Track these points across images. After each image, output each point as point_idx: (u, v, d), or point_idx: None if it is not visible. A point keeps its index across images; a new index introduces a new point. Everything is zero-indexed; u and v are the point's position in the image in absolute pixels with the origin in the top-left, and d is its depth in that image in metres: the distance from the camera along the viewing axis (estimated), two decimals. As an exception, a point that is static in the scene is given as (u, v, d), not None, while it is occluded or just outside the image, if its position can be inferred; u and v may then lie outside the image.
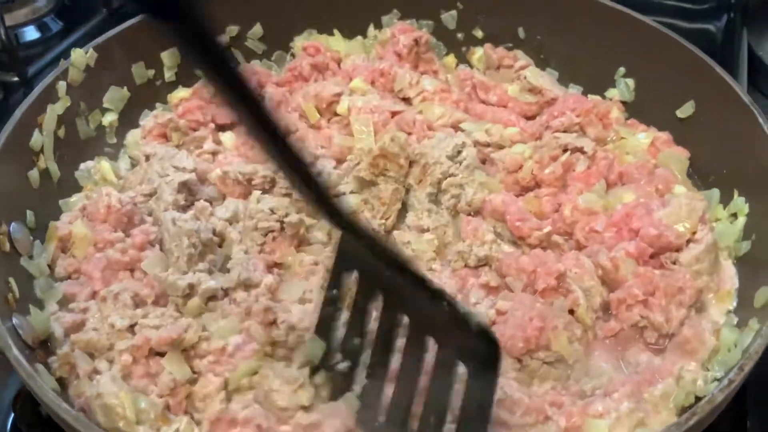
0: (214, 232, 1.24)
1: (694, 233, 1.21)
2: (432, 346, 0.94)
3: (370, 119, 1.40)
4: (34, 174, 1.26)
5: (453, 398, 0.93)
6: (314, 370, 1.06)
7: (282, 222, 1.24)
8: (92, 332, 1.11)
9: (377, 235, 1.00)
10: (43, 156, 1.29)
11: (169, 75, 1.50)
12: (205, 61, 0.80)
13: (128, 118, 1.45)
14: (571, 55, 1.53)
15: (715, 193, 1.31)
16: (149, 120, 1.44)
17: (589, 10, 1.49)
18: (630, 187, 1.31)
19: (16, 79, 1.62)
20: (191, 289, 1.15)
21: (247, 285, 1.18)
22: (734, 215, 1.27)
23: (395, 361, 0.99)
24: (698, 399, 1.03)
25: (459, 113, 1.45)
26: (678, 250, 1.21)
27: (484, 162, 1.39)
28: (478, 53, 1.59)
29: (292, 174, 0.90)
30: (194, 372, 1.09)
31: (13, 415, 1.18)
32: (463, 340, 0.88)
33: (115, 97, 1.42)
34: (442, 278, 1.20)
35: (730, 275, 1.22)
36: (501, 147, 1.39)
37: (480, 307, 1.15)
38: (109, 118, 1.42)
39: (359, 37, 1.61)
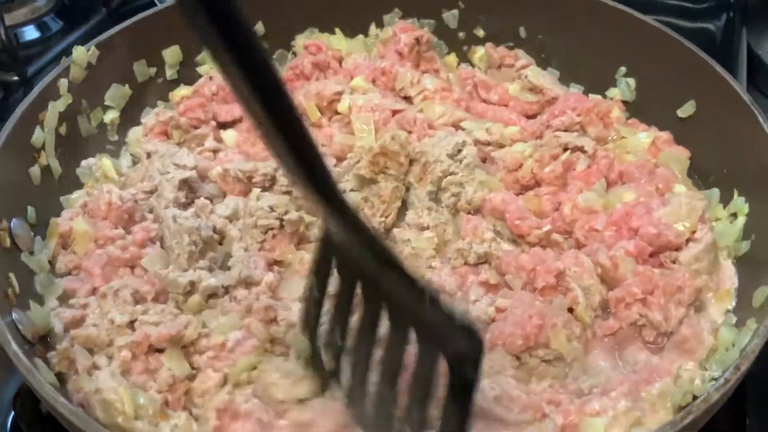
0: (214, 230, 1.24)
1: (693, 232, 1.21)
2: (414, 339, 0.91)
3: (371, 118, 1.40)
4: (35, 170, 1.27)
5: (436, 389, 0.90)
6: (306, 365, 1.06)
7: (282, 220, 1.25)
8: (92, 328, 1.12)
9: (376, 233, 0.99)
10: (45, 153, 1.29)
11: (170, 73, 1.50)
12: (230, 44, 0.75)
13: (130, 116, 1.45)
14: (572, 55, 1.53)
15: (715, 192, 1.31)
16: (151, 118, 1.44)
17: (590, 9, 1.49)
18: (630, 186, 1.31)
19: (15, 78, 1.62)
20: (192, 286, 1.16)
21: (248, 283, 1.18)
22: (734, 215, 1.27)
23: (378, 354, 0.97)
24: (696, 398, 1.02)
25: (460, 112, 1.45)
26: (677, 249, 1.21)
27: (484, 161, 1.39)
28: (479, 52, 1.59)
29: (299, 166, 0.85)
30: (193, 368, 1.10)
31: (13, 413, 1.18)
32: (445, 336, 0.86)
33: (116, 94, 1.43)
34: (442, 275, 1.20)
35: (729, 275, 1.22)
36: (501, 146, 1.39)
37: (479, 304, 1.16)
38: (111, 116, 1.43)
39: (361, 36, 1.61)
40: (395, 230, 1.28)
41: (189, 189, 1.31)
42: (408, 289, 0.88)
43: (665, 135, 1.39)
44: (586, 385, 1.09)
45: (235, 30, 0.74)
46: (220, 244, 1.25)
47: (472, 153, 1.34)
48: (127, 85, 1.44)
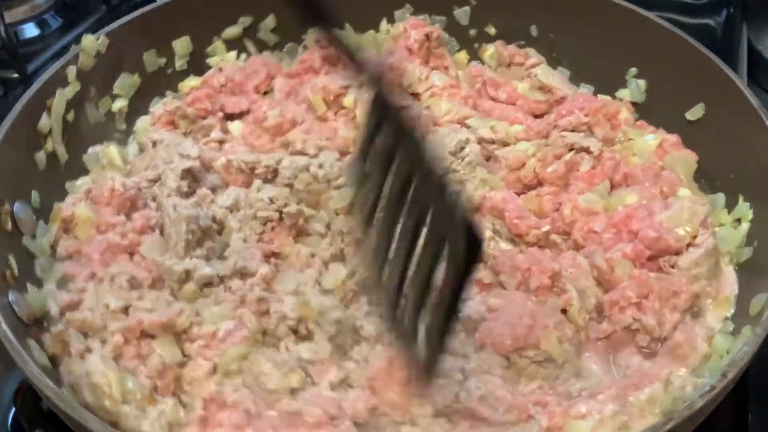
0: (214, 220, 1.25)
1: (694, 237, 1.20)
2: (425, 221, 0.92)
3: (376, 113, 1.40)
4: (41, 156, 1.29)
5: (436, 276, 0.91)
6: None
7: (281, 212, 1.25)
8: (87, 312, 1.13)
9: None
10: (51, 139, 1.31)
11: (180, 64, 1.51)
12: None
13: (138, 105, 1.47)
14: (583, 55, 1.51)
15: (721, 197, 1.29)
16: (159, 107, 1.46)
17: (602, 10, 1.47)
18: (634, 189, 1.29)
19: (15, 75, 1.63)
20: (187, 274, 1.17)
21: (243, 273, 1.19)
22: (738, 220, 1.25)
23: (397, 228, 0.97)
24: (687, 406, 1.01)
25: (466, 109, 1.44)
26: (678, 253, 1.19)
27: (488, 159, 1.38)
28: (490, 50, 1.58)
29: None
30: (185, 355, 1.11)
31: (14, 409, 1.19)
32: (449, 226, 0.86)
33: (125, 83, 1.44)
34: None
35: (730, 281, 1.20)
36: (506, 144, 1.39)
37: (472, 303, 1.14)
38: (119, 105, 1.44)
39: (371, 32, 1.61)
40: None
41: (193, 179, 1.32)
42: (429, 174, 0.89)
43: (673, 138, 1.37)
44: (576, 388, 1.08)
45: None
46: (220, 234, 1.26)
47: (475, 151, 1.34)
48: (136, 75, 1.45)
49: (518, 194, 1.32)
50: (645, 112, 1.45)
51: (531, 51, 1.55)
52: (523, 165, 1.33)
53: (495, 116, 1.45)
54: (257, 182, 1.30)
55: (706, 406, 0.91)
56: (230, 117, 1.47)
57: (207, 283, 1.17)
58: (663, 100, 1.42)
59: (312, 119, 1.44)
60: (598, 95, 1.49)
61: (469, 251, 0.85)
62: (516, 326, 1.08)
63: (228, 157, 1.35)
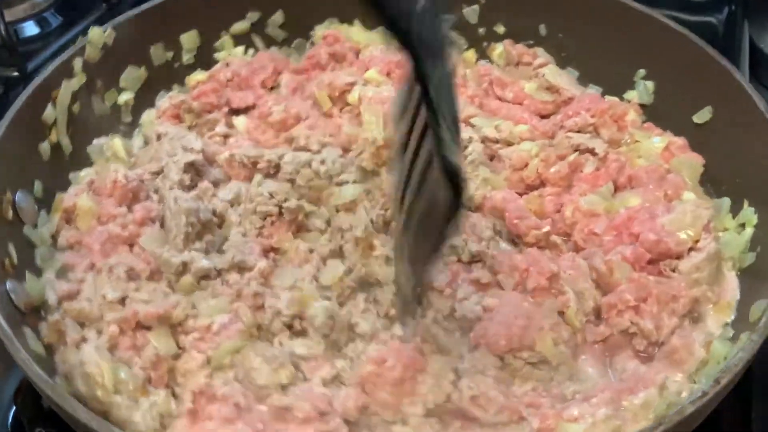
0: (214, 213, 1.26)
1: (697, 241, 1.18)
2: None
3: (381, 110, 1.39)
4: (45, 146, 1.30)
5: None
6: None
7: (281, 207, 1.25)
8: (85, 302, 1.13)
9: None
10: (56, 130, 1.32)
11: (187, 58, 1.51)
12: None
13: (145, 98, 1.47)
14: (592, 55, 1.50)
15: (726, 201, 1.27)
16: (165, 101, 1.46)
17: (612, 10, 1.45)
18: (638, 191, 1.28)
19: (15, 74, 1.63)
20: (184, 267, 1.17)
21: (240, 267, 1.19)
22: (743, 225, 1.23)
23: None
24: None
25: (472, 108, 1.43)
26: (679, 257, 1.18)
27: (492, 158, 1.37)
28: (498, 49, 1.57)
29: None
30: (180, 348, 1.11)
31: (14, 408, 1.19)
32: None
33: (131, 76, 1.45)
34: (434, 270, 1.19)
35: (732, 287, 1.18)
36: (510, 144, 1.37)
37: (466, 303, 1.14)
38: (125, 97, 1.45)
39: (380, 28, 1.60)
40: (393, 224, 1.28)
41: (196, 172, 1.33)
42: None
43: (680, 141, 1.35)
44: (570, 391, 1.07)
45: None
46: (220, 227, 1.26)
47: (478, 150, 1.33)
48: (143, 68, 1.46)
49: (521, 194, 1.31)
50: (652, 114, 1.43)
51: (539, 51, 1.54)
52: (526, 165, 1.32)
53: (501, 116, 1.44)
54: (258, 177, 1.30)
55: (698, 411, 0.90)
56: (236, 112, 1.47)
57: (204, 276, 1.18)
58: (671, 103, 1.41)
59: (317, 115, 1.44)
60: (606, 96, 1.47)
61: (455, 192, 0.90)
62: (511, 327, 1.07)
63: (231, 151, 1.35)
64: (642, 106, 1.44)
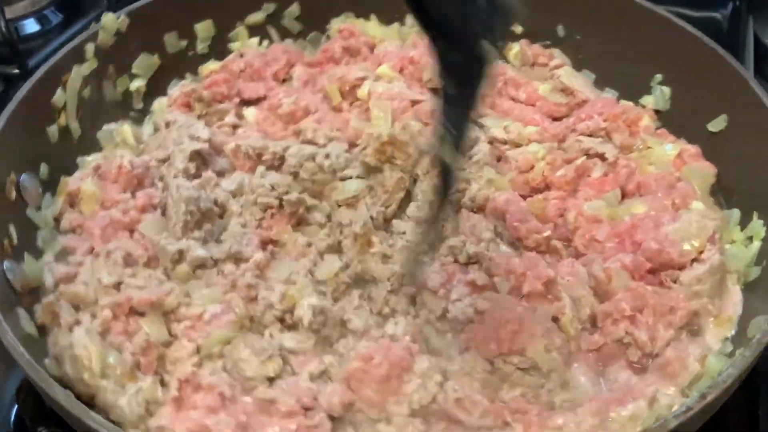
0: (216, 203, 1.26)
1: (701, 252, 1.15)
2: None
3: (389, 106, 1.38)
4: (53, 129, 1.31)
5: None
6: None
7: (281, 199, 1.25)
8: (81, 285, 1.14)
9: None
10: (65, 114, 1.33)
11: (201, 47, 1.52)
12: None
13: (157, 86, 1.48)
14: (609, 58, 1.47)
15: (735, 213, 1.24)
16: (176, 89, 1.47)
17: (632, 13, 1.43)
18: (645, 199, 1.25)
19: (16, 71, 1.63)
20: (180, 255, 1.17)
21: (237, 258, 1.19)
22: (750, 239, 1.19)
23: None
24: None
25: (482, 108, 1.41)
26: (681, 268, 1.15)
27: (499, 159, 1.35)
28: (515, 49, 1.54)
29: None
30: (172, 335, 1.11)
31: (16, 407, 1.19)
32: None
33: (144, 63, 1.46)
34: (429, 270, 1.17)
35: (735, 301, 1.15)
36: (518, 145, 1.36)
37: (459, 304, 1.12)
38: (137, 84, 1.46)
39: (396, 24, 1.59)
40: (395, 221, 1.27)
41: (202, 161, 1.33)
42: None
43: (693, 149, 1.32)
44: (559, 399, 1.05)
45: None
46: (221, 217, 1.27)
47: (484, 150, 1.31)
48: (156, 55, 1.47)
49: (525, 197, 1.29)
50: (668, 120, 1.40)
51: (556, 51, 1.52)
52: (532, 167, 1.30)
53: (512, 116, 1.42)
54: (261, 168, 1.30)
55: (681, 426, 0.87)
56: (247, 102, 1.48)
57: (200, 266, 1.18)
58: (687, 109, 1.38)
59: (326, 109, 1.44)
60: (622, 101, 1.44)
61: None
62: (501, 331, 1.05)
63: (237, 141, 1.35)
64: (657, 112, 1.41)
